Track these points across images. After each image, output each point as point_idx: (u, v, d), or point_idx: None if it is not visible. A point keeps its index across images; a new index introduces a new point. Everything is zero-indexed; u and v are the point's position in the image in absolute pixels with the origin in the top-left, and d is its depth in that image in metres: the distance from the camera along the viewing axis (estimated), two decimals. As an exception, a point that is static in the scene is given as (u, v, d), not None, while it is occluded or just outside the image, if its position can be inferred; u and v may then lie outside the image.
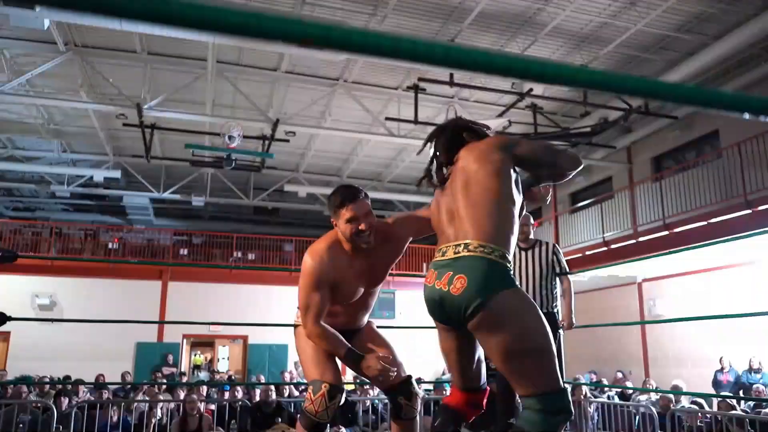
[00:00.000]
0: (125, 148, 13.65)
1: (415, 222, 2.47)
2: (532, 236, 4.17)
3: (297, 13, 7.91)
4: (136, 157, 12.92)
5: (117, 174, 13.75)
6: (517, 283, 3.07)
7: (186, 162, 11.82)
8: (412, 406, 2.46)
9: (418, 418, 2.51)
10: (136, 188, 15.03)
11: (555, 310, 3.94)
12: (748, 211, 8.54)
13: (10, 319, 2.69)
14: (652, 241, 10.09)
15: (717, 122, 10.65)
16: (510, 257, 1.92)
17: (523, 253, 4.04)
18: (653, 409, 6.20)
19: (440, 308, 1.93)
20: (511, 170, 2.01)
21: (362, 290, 2.47)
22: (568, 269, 4.06)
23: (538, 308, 1.92)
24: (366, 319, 2.64)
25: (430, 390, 9.51)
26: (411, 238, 2.48)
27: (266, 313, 14.10)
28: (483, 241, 1.86)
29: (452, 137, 2.14)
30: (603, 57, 9.31)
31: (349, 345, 2.39)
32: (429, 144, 2.18)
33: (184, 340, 15.19)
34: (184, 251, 15.60)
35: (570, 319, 4.00)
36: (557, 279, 3.99)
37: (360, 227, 2.29)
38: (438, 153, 2.14)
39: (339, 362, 2.46)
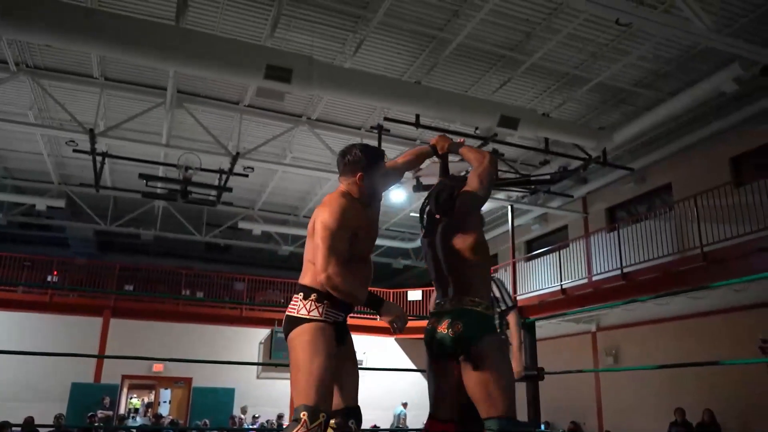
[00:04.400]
0: (72, 177, 13.07)
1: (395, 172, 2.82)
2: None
3: (268, 36, 7.76)
4: (83, 186, 12.37)
5: (61, 203, 13.13)
6: None
7: (137, 193, 11.36)
8: None
9: None
10: (82, 219, 14.38)
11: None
12: (703, 263, 8.70)
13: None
14: (609, 290, 10.17)
15: (668, 176, 10.98)
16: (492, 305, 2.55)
17: None
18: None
19: (439, 346, 2.47)
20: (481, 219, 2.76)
21: (371, 249, 2.61)
22: (511, 303, 3.66)
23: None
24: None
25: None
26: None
27: (213, 354, 13.52)
28: (472, 296, 2.48)
29: (449, 197, 2.65)
30: (575, 99, 9.50)
31: (369, 292, 2.43)
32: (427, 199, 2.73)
33: (124, 381, 14.37)
34: (129, 287, 14.91)
35: (520, 367, 3.61)
36: (502, 317, 3.73)
37: (389, 180, 2.71)
38: (432, 208, 2.68)
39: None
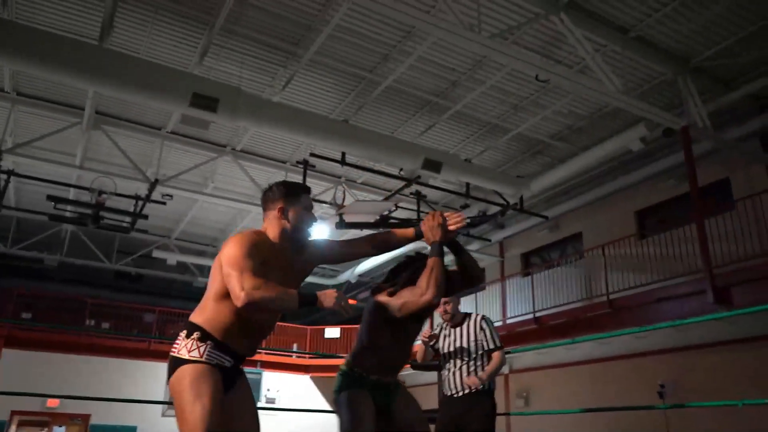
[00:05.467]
0: (-28, 194, 12.20)
1: (333, 246, 2.70)
2: (462, 310, 4.02)
3: (196, 63, 7.65)
4: (-17, 205, 11.57)
5: (-43, 222, 12.21)
6: (450, 362, 3.91)
7: (44, 216, 10.74)
8: None
9: None
10: (-21, 240, 13.40)
11: (492, 387, 3.78)
12: (609, 310, 9.12)
13: None
14: (522, 333, 10.45)
15: (580, 225, 11.53)
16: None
17: (454, 331, 3.91)
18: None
19: None
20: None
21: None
22: (498, 344, 3.82)
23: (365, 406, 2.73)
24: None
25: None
26: (325, 260, 2.72)
27: (115, 389, 12.76)
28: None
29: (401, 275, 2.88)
30: (496, 147, 9.86)
31: (298, 290, 2.18)
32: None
33: (13, 418, 13.27)
34: (27, 315, 13.93)
35: (479, 380, 3.69)
36: (488, 356, 3.77)
37: (312, 218, 2.46)
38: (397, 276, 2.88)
39: None
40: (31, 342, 13.32)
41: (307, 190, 2.53)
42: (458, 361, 3.76)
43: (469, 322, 3.89)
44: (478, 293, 12.33)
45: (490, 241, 12.68)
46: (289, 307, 2.13)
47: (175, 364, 2.18)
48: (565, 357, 10.86)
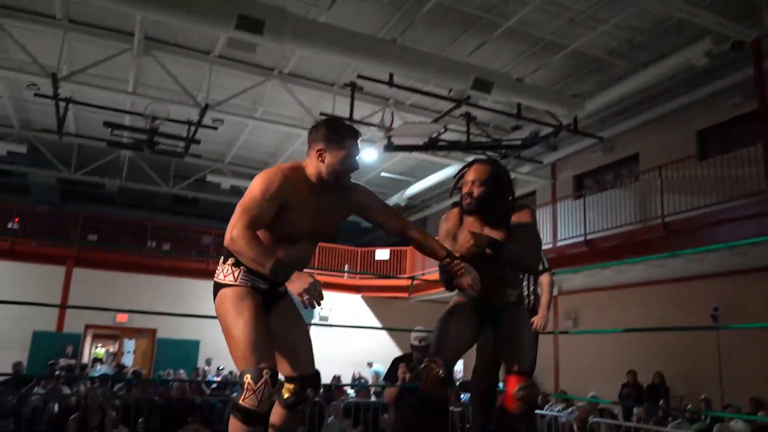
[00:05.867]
0: (34, 122, 12.67)
1: (377, 207, 2.51)
2: None
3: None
4: (45, 132, 11.99)
5: (23, 149, 12.73)
6: None
7: (102, 142, 11.08)
8: (311, 401, 2.35)
9: None
10: (44, 166, 13.99)
11: (532, 308, 3.90)
12: (664, 233, 8.93)
13: None
14: (573, 256, 10.39)
15: (636, 146, 11.15)
16: None
17: None
18: (570, 420, 6.33)
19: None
20: None
21: (307, 232, 2.31)
22: (546, 265, 4.00)
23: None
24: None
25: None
26: (361, 214, 2.49)
27: (178, 306, 13.46)
28: None
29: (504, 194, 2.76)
30: (549, 66, 9.50)
31: (277, 258, 2.10)
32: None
33: (87, 331, 14.28)
34: (93, 237, 14.66)
35: (542, 320, 3.88)
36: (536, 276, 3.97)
37: (354, 165, 2.31)
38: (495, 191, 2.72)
39: None
40: (98, 262, 14.08)
41: (355, 135, 2.34)
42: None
43: None
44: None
45: (542, 163, 12.44)
46: (260, 269, 2.11)
47: (216, 288, 2.28)
48: (615, 280, 10.79)
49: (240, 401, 2.06)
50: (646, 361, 9.94)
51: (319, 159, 2.27)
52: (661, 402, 8.59)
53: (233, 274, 2.23)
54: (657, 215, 9.29)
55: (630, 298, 10.77)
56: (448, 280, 2.50)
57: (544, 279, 3.89)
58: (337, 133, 2.29)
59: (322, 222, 2.35)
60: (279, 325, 2.31)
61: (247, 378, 2.05)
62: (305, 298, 2.06)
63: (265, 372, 2.06)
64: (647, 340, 9.87)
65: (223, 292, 2.23)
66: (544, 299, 3.86)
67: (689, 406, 8.29)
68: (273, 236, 2.27)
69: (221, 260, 2.30)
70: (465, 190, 2.77)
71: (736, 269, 9.04)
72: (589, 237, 10.33)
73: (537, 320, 3.81)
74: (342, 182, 2.35)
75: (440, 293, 14.33)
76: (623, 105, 10.49)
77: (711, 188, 8.74)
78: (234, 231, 2.11)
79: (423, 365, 2.58)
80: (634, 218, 9.93)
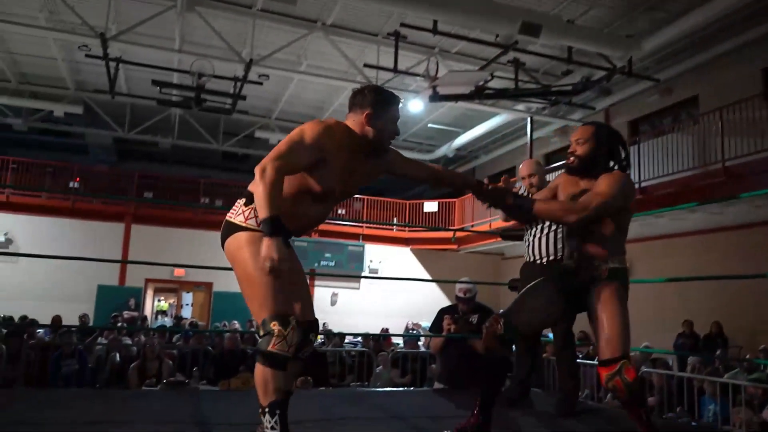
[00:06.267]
0: (88, 83, 13.00)
1: (404, 161, 2.58)
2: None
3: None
4: (99, 93, 12.30)
5: (79, 110, 13.13)
6: (533, 229, 3.75)
7: (152, 101, 11.29)
8: (311, 348, 2.28)
9: None
10: (100, 126, 14.41)
11: None
12: (724, 178, 8.53)
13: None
14: (626, 204, 10.07)
15: (696, 88, 10.59)
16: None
17: None
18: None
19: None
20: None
21: (337, 192, 2.34)
22: None
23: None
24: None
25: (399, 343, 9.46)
26: (391, 172, 2.54)
27: (232, 261, 13.81)
28: None
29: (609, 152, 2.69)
30: (601, 5, 9.05)
31: (278, 215, 2.06)
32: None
33: (148, 285, 14.90)
34: (148, 194, 15.14)
35: None
36: None
37: (397, 131, 2.39)
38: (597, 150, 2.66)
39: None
40: (154, 219, 14.57)
41: (398, 101, 2.41)
42: (544, 228, 3.66)
43: None
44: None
45: (594, 108, 11.97)
46: (259, 210, 2.08)
47: (231, 229, 2.23)
48: (672, 228, 10.45)
49: (269, 347, 2.06)
50: (704, 312, 9.67)
51: (368, 123, 2.29)
52: (718, 352, 8.37)
53: (255, 219, 2.19)
54: (717, 160, 8.86)
55: (687, 248, 10.43)
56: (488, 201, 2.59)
57: None
58: (385, 99, 2.33)
59: (352, 184, 2.38)
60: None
61: (275, 325, 2.06)
62: (264, 259, 2.02)
63: (291, 318, 2.08)
64: (705, 290, 9.57)
65: (240, 235, 2.20)
66: None
67: (747, 357, 8.07)
68: (301, 190, 2.25)
69: (242, 202, 2.27)
70: (569, 150, 2.76)
71: (801, 215, 8.61)
72: (644, 184, 9.97)
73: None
74: (385, 147, 2.40)
75: (489, 245, 14.22)
76: (681, 44, 9.91)
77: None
78: (267, 165, 2.09)
79: (487, 323, 2.57)
80: (692, 164, 9.51)
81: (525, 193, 3.82)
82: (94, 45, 9.43)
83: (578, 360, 4.17)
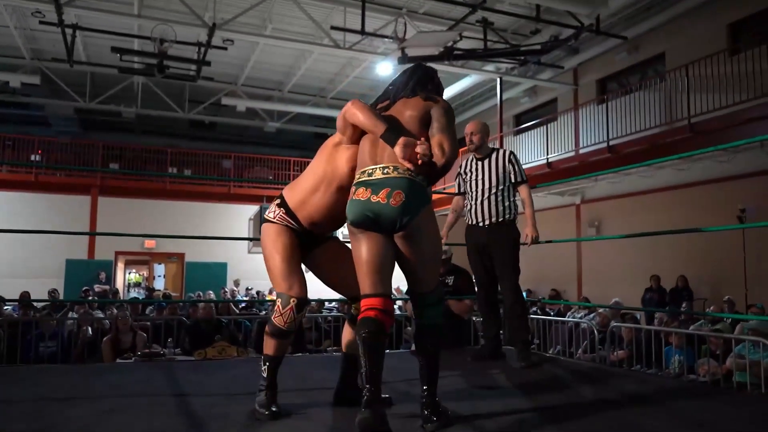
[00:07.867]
0: (45, 51, 12.52)
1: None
2: (490, 145, 3.94)
3: None
4: (56, 61, 11.87)
5: (36, 80, 12.67)
6: (474, 193, 3.84)
7: (113, 69, 10.94)
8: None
9: None
10: (60, 97, 13.96)
11: (512, 219, 3.77)
12: (690, 134, 8.65)
13: None
14: (595, 163, 10.18)
15: (663, 44, 10.63)
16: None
17: (479, 163, 3.83)
18: (593, 325, 6.39)
19: (375, 219, 2.19)
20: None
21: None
22: (525, 178, 3.81)
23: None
24: None
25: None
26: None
27: (204, 230, 13.71)
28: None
29: (418, 81, 2.42)
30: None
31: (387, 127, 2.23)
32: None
33: (118, 258, 14.69)
34: (114, 165, 14.81)
35: (534, 232, 3.76)
36: (514, 189, 3.77)
37: None
38: (395, 87, 2.46)
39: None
40: (122, 190, 14.30)
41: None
42: (485, 192, 3.73)
43: (497, 155, 3.81)
44: (549, 124, 11.94)
45: (563, 68, 12.00)
46: (373, 130, 2.25)
47: (263, 221, 2.61)
48: (639, 185, 10.61)
49: (272, 318, 2.42)
50: (670, 266, 9.91)
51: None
52: (683, 305, 8.61)
53: (274, 213, 2.53)
54: (683, 117, 8.96)
55: (655, 204, 10.61)
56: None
57: (523, 191, 3.77)
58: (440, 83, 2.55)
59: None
60: (323, 258, 2.58)
61: (278, 302, 2.40)
62: (406, 158, 2.14)
63: (292, 300, 2.38)
64: (671, 244, 9.79)
65: (265, 226, 2.56)
66: (528, 212, 3.77)
67: (711, 308, 8.31)
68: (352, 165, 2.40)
69: (276, 202, 2.57)
70: None
71: (765, 168, 8.79)
72: (612, 143, 10.06)
73: (528, 232, 3.73)
74: None
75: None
76: (648, 1, 9.92)
77: (742, 85, 8.34)
78: (353, 103, 2.34)
79: None
80: (659, 121, 9.61)
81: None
82: (49, 11, 9.06)
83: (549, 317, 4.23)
